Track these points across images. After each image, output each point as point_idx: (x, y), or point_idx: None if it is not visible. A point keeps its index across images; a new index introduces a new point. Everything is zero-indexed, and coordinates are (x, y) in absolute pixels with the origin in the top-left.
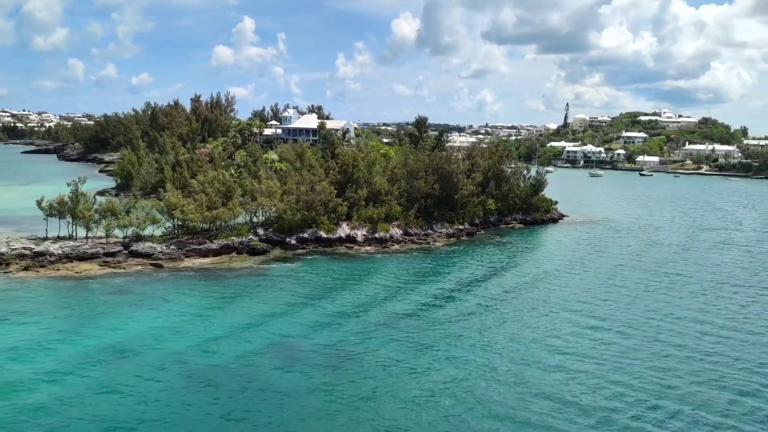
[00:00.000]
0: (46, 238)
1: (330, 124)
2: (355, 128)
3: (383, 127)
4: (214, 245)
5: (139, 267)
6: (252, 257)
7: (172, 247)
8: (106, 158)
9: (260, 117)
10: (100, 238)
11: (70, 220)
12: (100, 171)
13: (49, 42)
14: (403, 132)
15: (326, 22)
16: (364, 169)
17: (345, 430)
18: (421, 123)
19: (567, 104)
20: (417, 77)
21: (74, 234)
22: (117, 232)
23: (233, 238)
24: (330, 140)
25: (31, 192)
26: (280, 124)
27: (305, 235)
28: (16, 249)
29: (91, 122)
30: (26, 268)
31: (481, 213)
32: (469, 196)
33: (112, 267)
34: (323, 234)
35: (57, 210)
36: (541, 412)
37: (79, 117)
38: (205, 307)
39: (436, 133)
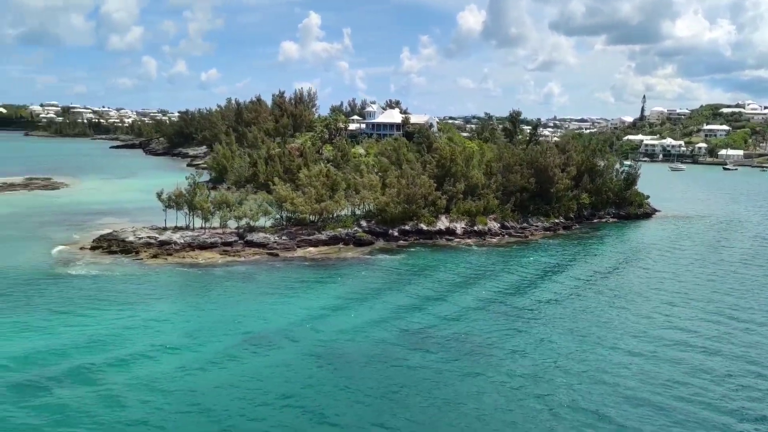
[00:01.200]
0: (166, 228)
1: (413, 119)
2: (438, 122)
3: (449, 122)
4: (323, 236)
5: (257, 256)
6: (358, 248)
7: (284, 237)
8: (191, 152)
9: (339, 112)
10: (215, 228)
11: (187, 211)
12: (188, 165)
13: (125, 41)
14: (480, 125)
15: (391, 16)
16: (462, 163)
17: (477, 414)
18: (515, 117)
19: (644, 97)
20: (482, 70)
21: (191, 224)
22: (231, 222)
23: (340, 229)
24: (425, 135)
25: (129, 185)
26: (363, 119)
27: (407, 227)
28: (142, 238)
29: (166, 117)
30: (155, 256)
31: (575, 207)
32: (564, 190)
33: (231, 255)
34: (424, 226)
35: (175, 201)
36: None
37: (155, 113)
38: (326, 295)
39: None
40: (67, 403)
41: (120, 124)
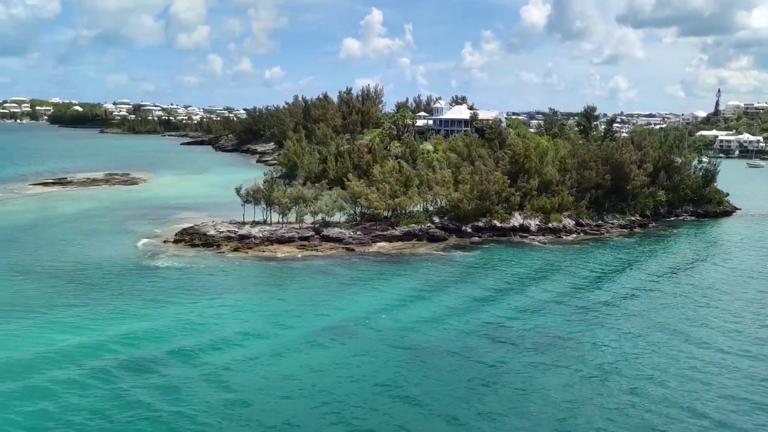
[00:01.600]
0: (244, 222)
1: (482, 115)
2: (506, 118)
3: (513, 117)
4: (397, 232)
5: (333, 250)
6: (431, 244)
7: (358, 232)
8: (259, 149)
9: (405, 108)
10: (291, 223)
11: (265, 206)
12: (257, 161)
13: (192, 40)
14: (548, 121)
15: (453, 11)
16: (536, 159)
17: (567, 408)
18: (590, 113)
19: (719, 90)
20: (546, 64)
21: (268, 219)
22: (307, 217)
23: (413, 225)
24: (498, 131)
25: (202, 181)
26: (430, 115)
27: (480, 223)
28: (222, 232)
29: (232, 115)
30: (236, 249)
31: (651, 205)
32: (641, 187)
33: (309, 250)
34: (497, 223)
35: (253, 197)
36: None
37: (221, 110)
38: (404, 289)
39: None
40: (175, 384)
41: (188, 121)
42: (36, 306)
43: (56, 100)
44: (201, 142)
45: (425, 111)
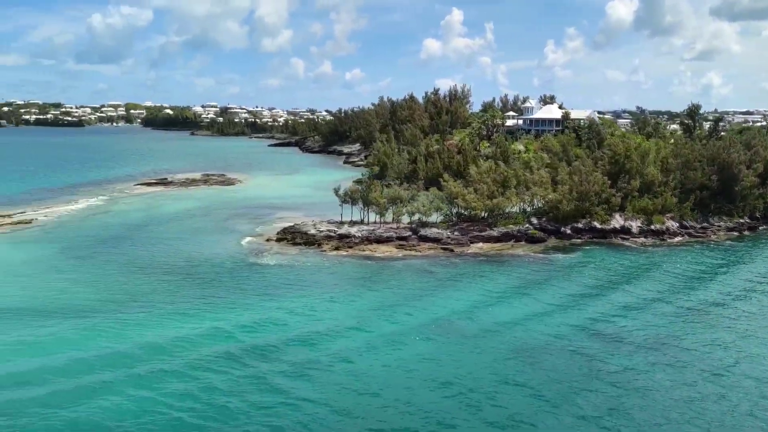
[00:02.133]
0: (342, 222)
1: (574, 114)
2: (598, 117)
3: (600, 116)
4: (495, 232)
5: (432, 251)
6: (530, 245)
7: (456, 233)
8: (345, 150)
9: (490, 108)
10: (388, 222)
11: (362, 206)
12: (345, 162)
13: (275, 43)
14: (641, 120)
15: (535, 8)
16: (638, 159)
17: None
18: (694, 111)
19: None
20: (632, 62)
21: (365, 218)
22: (403, 218)
23: (511, 226)
24: (595, 130)
25: (294, 181)
26: (520, 114)
27: (579, 225)
28: (322, 231)
29: (315, 116)
30: (337, 248)
31: (761, 206)
32: (750, 188)
33: (407, 249)
34: (597, 225)
35: (350, 197)
36: None
37: (304, 112)
38: (507, 288)
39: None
40: (301, 371)
41: (273, 123)
42: (158, 299)
43: (149, 103)
44: (287, 144)
45: (513, 110)
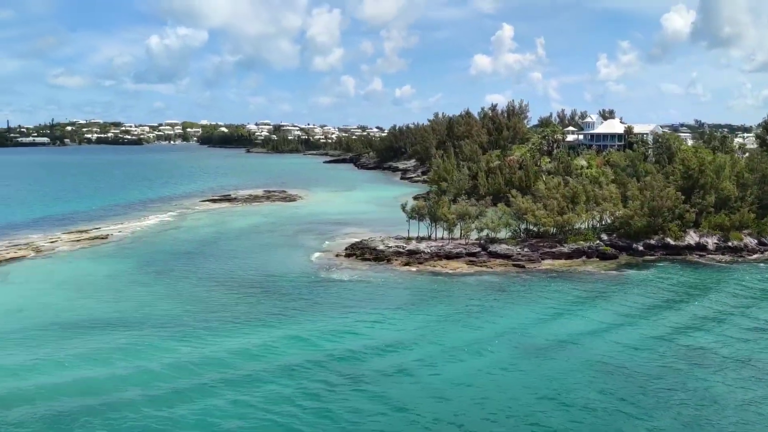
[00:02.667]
0: (410, 238)
1: (637, 128)
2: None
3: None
4: (566, 249)
5: (502, 267)
6: (602, 262)
7: (526, 249)
8: (401, 166)
9: (547, 124)
10: (455, 238)
11: (429, 222)
12: (401, 178)
13: (327, 62)
14: (708, 134)
15: (587, 22)
16: (712, 174)
17: None
18: None
19: None
20: (690, 74)
21: (433, 234)
22: (471, 233)
23: (581, 242)
24: (666, 145)
25: (354, 197)
26: (580, 129)
27: (652, 241)
28: (391, 247)
29: (365, 132)
30: (407, 264)
31: None
32: None
33: (478, 266)
34: (671, 241)
35: (417, 213)
36: None
37: (355, 128)
38: (586, 305)
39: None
40: (394, 380)
41: (325, 140)
42: (241, 311)
43: (204, 122)
44: (342, 160)
45: (570, 125)
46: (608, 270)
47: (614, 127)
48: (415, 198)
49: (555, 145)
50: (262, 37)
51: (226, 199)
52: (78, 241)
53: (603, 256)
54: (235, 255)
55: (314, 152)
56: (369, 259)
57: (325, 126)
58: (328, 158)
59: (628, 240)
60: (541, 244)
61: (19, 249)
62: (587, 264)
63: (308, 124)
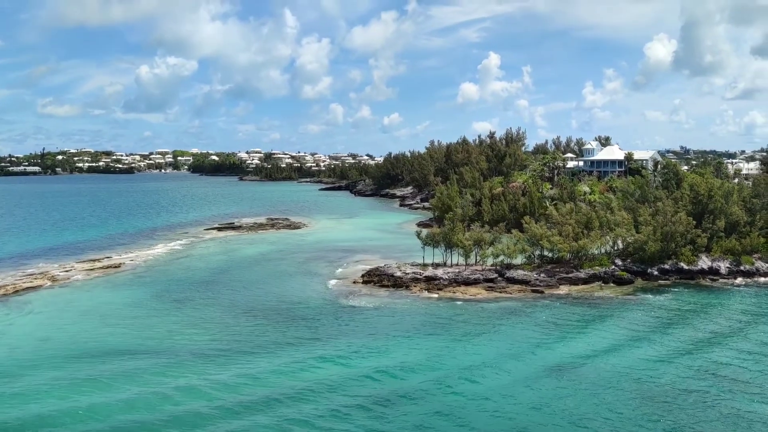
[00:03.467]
0: (425, 264)
1: (638, 155)
2: (663, 158)
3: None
4: (582, 274)
5: (521, 292)
6: (618, 287)
7: (542, 275)
8: (398, 193)
9: (543, 150)
10: (471, 264)
11: (444, 249)
12: (401, 205)
13: (316, 90)
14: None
15: (573, 51)
16: (721, 198)
17: None
18: None
19: None
20: (672, 102)
21: (447, 260)
22: (486, 259)
23: (597, 267)
24: (674, 171)
25: (358, 224)
26: (579, 156)
27: (666, 266)
28: (408, 274)
29: (356, 160)
30: (427, 290)
31: None
32: None
33: (497, 291)
34: (684, 265)
35: (431, 240)
36: None
37: (345, 156)
38: (611, 330)
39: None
40: (446, 407)
41: (316, 168)
42: (274, 339)
43: (195, 150)
44: (338, 188)
45: (568, 152)
46: (626, 295)
47: (614, 153)
48: (420, 225)
49: (555, 172)
50: (251, 66)
51: (231, 227)
52: (92, 269)
53: (619, 281)
54: (252, 283)
55: (308, 179)
56: (387, 286)
57: (315, 153)
58: (324, 185)
59: (642, 265)
60: (557, 269)
61: (35, 278)
62: (604, 289)
63: (299, 152)
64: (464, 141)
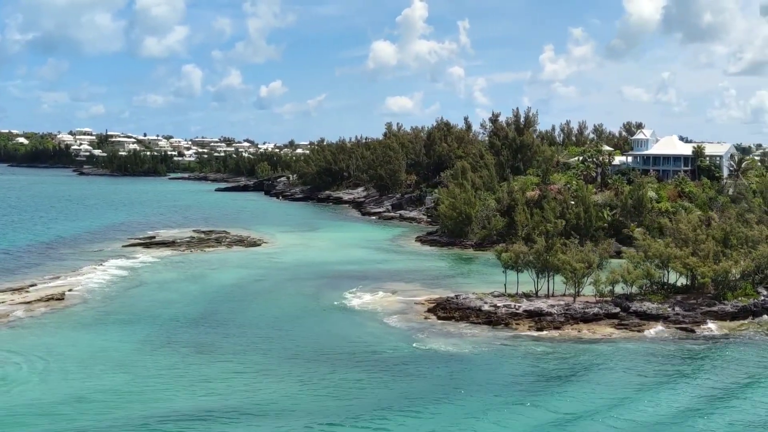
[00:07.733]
0: (511, 295)
1: (710, 149)
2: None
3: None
4: (728, 307)
5: (665, 332)
6: None
7: (677, 308)
8: (345, 197)
9: (550, 139)
10: (572, 295)
11: (536, 273)
12: (363, 214)
13: (163, 45)
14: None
15: (529, 3)
16: None
17: None
18: None
19: None
20: (659, 75)
21: (538, 288)
22: (598, 286)
23: (742, 298)
24: None
25: (334, 240)
26: (630, 149)
27: None
28: (499, 307)
29: (232, 148)
30: (538, 329)
31: None
32: None
33: (631, 330)
34: None
35: (516, 262)
36: None
37: (216, 141)
38: None
39: None
40: None
41: (179, 158)
42: (372, 400)
43: None
44: (244, 188)
45: (579, 142)
46: None
47: (676, 147)
48: (420, 240)
49: (599, 170)
50: (69, 6)
51: (159, 243)
52: (29, 302)
53: None
54: (275, 321)
55: (187, 175)
56: (477, 323)
57: (171, 138)
58: (221, 185)
59: None
60: (691, 301)
61: None
62: (763, 324)
63: (145, 135)
64: (446, 124)
